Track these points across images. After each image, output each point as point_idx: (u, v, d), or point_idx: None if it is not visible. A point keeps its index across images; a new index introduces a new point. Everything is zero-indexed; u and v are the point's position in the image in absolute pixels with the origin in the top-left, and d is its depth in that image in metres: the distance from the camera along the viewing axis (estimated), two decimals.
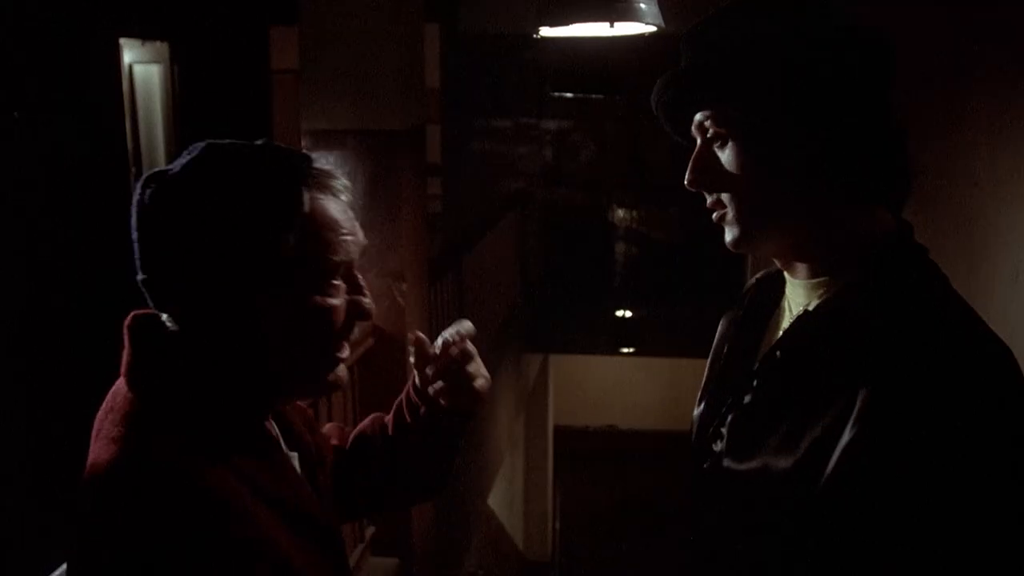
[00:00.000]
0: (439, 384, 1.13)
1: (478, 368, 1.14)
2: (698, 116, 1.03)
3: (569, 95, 8.16)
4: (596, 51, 6.88)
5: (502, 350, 6.08)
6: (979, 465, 0.85)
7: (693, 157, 1.04)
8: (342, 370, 1.02)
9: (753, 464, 0.99)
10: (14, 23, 4.03)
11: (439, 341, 1.13)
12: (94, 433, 0.95)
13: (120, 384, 0.97)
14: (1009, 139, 2.08)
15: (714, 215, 1.05)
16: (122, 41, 5.22)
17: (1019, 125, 2.04)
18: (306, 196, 0.93)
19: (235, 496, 0.89)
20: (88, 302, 4.36)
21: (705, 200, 1.06)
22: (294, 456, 1.06)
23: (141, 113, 5.47)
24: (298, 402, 1.19)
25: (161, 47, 5.42)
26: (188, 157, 0.94)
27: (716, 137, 1.01)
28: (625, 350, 7.91)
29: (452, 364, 1.12)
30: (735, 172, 1.00)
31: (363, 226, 1.03)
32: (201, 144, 0.95)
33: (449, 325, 1.15)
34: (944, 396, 0.87)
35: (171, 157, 5.33)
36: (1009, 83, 2.10)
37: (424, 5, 3.70)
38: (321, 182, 0.96)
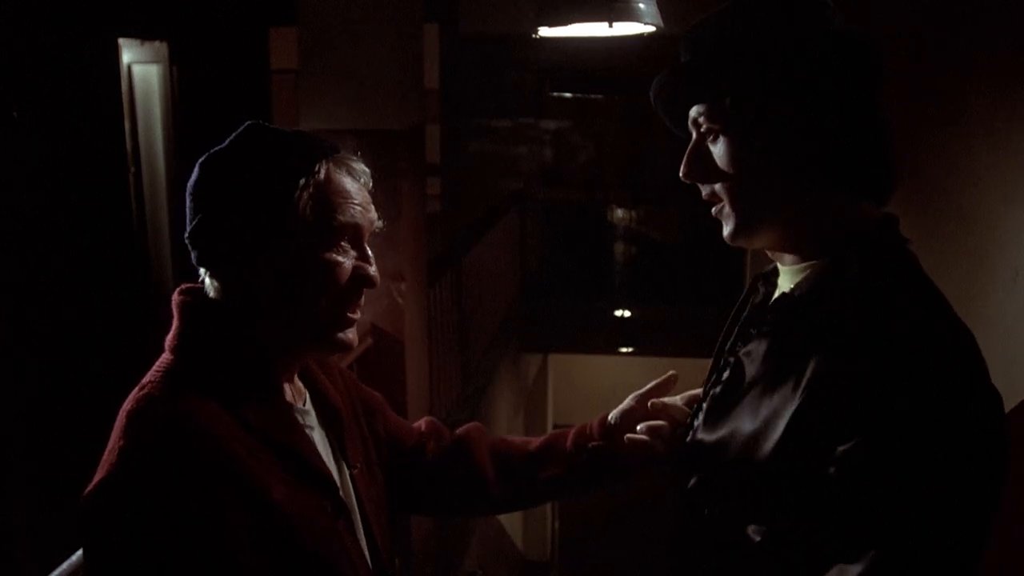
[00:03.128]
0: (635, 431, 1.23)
1: (661, 431, 1.23)
2: (693, 112, 1.08)
3: (568, 95, 8.16)
4: (596, 51, 6.88)
5: (501, 350, 6.08)
6: (910, 449, 0.88)
7: (688, 151, 1.10)
8: (352, 333, 1.12)
9: (722, 432, 1.06)
10: (14, 23, 4.03)
11: (678, 400, 1.26)
12: None
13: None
14: (1008, 138, 2.09)
15: (712, 209, 1.10)
16: (121, 41, 5.21)
17: (1017, 124, 2.05)
18: (323, 166, 1.07)
19: (225, 439, 0.98)
20: (88, 302, 4.36)
21: (701, 196, 1.11)
22: (309, 412, 1.15)
23: (140, 113, 5.46)
24: (346, 375, 1.31)
25: (160, 47, 5.41)
26: (233, 134, 1.09)
27: (709, 132, 1.06)
28: (624, 350, 7.89)
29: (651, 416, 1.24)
30: (726, 166, 1.05)
31: None
32: (246, 123, 1.09)
33: (656, 383, 1.30)
34: (886, 374, 0.90)
35: (170, 157, 5.33)
36: (1007, 83, 2.10)
37: (424, 5, 3.70)
38: (340, 160, 1.10)
